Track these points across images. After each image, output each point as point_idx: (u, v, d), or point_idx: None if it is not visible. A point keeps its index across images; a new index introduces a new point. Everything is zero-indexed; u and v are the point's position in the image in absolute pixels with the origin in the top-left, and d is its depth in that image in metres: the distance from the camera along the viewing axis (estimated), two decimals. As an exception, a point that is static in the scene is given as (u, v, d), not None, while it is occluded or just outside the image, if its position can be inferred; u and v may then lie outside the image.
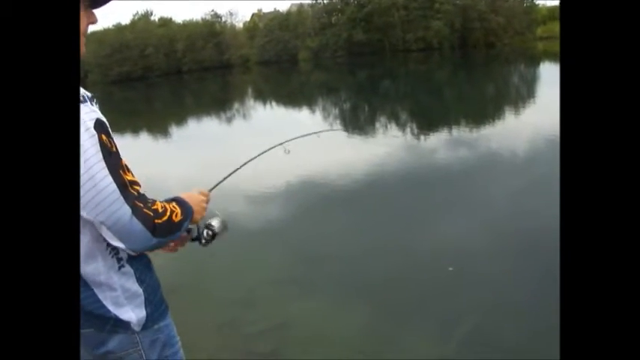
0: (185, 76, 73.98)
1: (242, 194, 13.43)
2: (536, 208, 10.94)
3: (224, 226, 3.25)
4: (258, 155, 4.28)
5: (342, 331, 7.19)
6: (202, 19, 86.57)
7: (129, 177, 2.31)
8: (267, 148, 4.39)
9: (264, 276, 9.00)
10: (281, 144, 4.37)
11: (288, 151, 4.48)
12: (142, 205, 2.29)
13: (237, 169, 3.88)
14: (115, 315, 2.40)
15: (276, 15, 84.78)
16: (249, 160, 4.13)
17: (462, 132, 21.23)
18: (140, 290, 2.49)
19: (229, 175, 3.89)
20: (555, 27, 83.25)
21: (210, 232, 3.12)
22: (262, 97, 45.30)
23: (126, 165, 2.37)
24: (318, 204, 12.61)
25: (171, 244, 2.76)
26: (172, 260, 4.90)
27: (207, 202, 3.03)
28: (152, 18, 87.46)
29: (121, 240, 2.19)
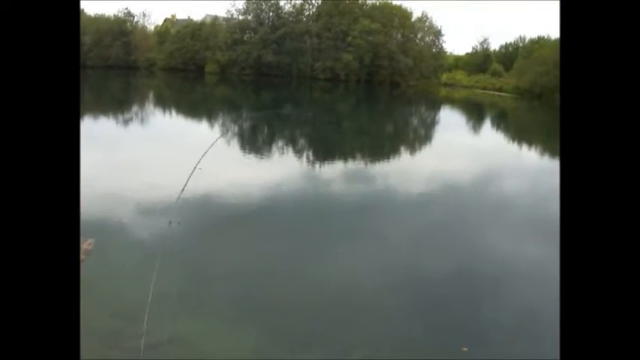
0: (88, 71, 72.17)
1: (134, 202, 13.06)
2: (430, 249, 11.22)
3: None
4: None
5: (229, 352, 7.03)
6: (115, 15, 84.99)
7: None
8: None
9: (154, 289, 8.68)
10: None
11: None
12: None
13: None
14: None
15: (189, 23, 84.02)
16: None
17: (357, 165, 21.43)
18: None
19: None
20: (458, 76, 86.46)
21: None
22: (163, 103, 44.64)
23: None
24: (212, 221, 12.37)
25: None
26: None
27: None
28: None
29: None
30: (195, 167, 8.20)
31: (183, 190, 7.95)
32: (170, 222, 7.24)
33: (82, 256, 1.86)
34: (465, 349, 7.16)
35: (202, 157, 8.17)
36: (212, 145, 9.31)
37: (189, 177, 7.80)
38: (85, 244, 2.14)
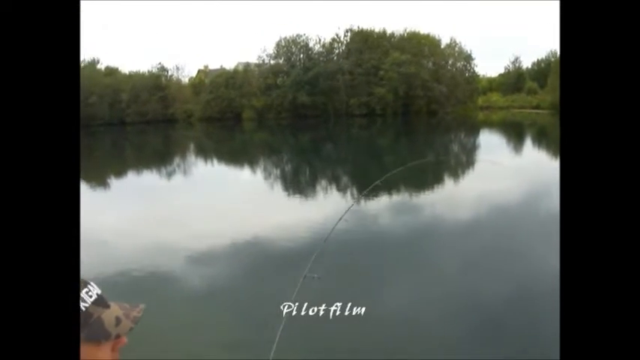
0: (128, 128, 73.36)
1: (183, 253, 13.19)
2: (486, 274, 11.11)
3: None
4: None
5: None
6: (149, 71, 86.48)
7: None
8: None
9: (211, 339, 8.69)
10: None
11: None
12: None
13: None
14: None
15: (222, 72, 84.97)
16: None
17: (402, 197, 21.38)
18: None
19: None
20: (494, 97, 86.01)
21: None
22: (204, 153, 45.14)
23: None
24: (262, 265, 12.39)
25: None
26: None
27: None
28: (98, 66, 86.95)
29: None
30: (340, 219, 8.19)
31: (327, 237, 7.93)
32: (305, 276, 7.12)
33: (131, 324, 1.78)
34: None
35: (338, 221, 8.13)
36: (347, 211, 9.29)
37: (333, 228, 7.80)
38: (135, 312, 2.05)
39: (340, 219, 8.33)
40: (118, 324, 1.75)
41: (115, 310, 1.78)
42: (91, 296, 1.70)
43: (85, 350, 1.64)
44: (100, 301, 1.72)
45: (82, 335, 1.63)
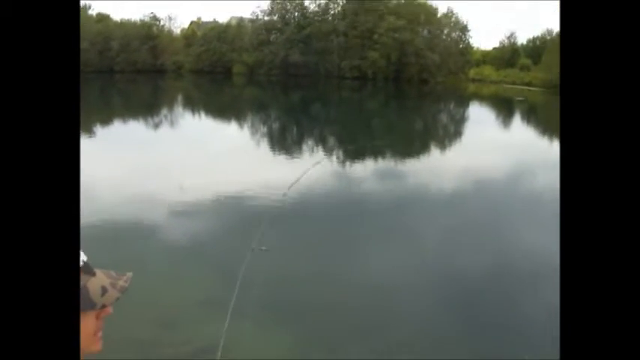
0: (117, 76, 72.80)
1: (166, 205, 13.14)
2: (465, 246, 11.16)
3: None
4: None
5: (265, 356, 6.98)
6: (141, 20, 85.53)
7: None
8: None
9: (188, 295, 8.65)
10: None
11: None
12: None
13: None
14: None
15: (215, 25, 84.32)
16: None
17: (388, 163, 21.39)
18: None
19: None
20: (486, 71, 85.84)
21: None
22: (192, 105, 44.91)
23: None
24: (244, 222, 12.32)
25: None
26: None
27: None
28: (89, 12, 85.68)
29: None
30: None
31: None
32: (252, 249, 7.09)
33: (117, 294, 1.70)
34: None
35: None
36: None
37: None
38: (122, 280, 1.93)
39: (292, 184, 8.25)
40: (104, 294, 1.70)
41: (101, 278, 1.73)
42: None
43: None
44: (85, 269, 1.67)
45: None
